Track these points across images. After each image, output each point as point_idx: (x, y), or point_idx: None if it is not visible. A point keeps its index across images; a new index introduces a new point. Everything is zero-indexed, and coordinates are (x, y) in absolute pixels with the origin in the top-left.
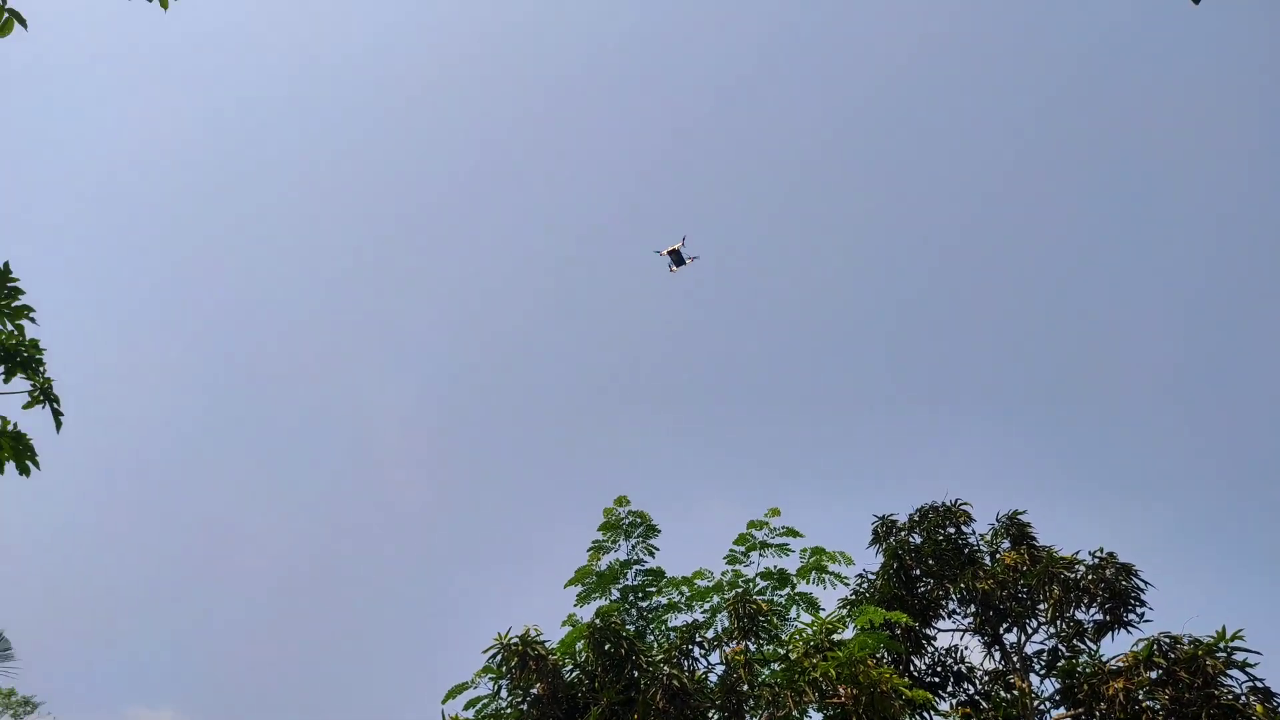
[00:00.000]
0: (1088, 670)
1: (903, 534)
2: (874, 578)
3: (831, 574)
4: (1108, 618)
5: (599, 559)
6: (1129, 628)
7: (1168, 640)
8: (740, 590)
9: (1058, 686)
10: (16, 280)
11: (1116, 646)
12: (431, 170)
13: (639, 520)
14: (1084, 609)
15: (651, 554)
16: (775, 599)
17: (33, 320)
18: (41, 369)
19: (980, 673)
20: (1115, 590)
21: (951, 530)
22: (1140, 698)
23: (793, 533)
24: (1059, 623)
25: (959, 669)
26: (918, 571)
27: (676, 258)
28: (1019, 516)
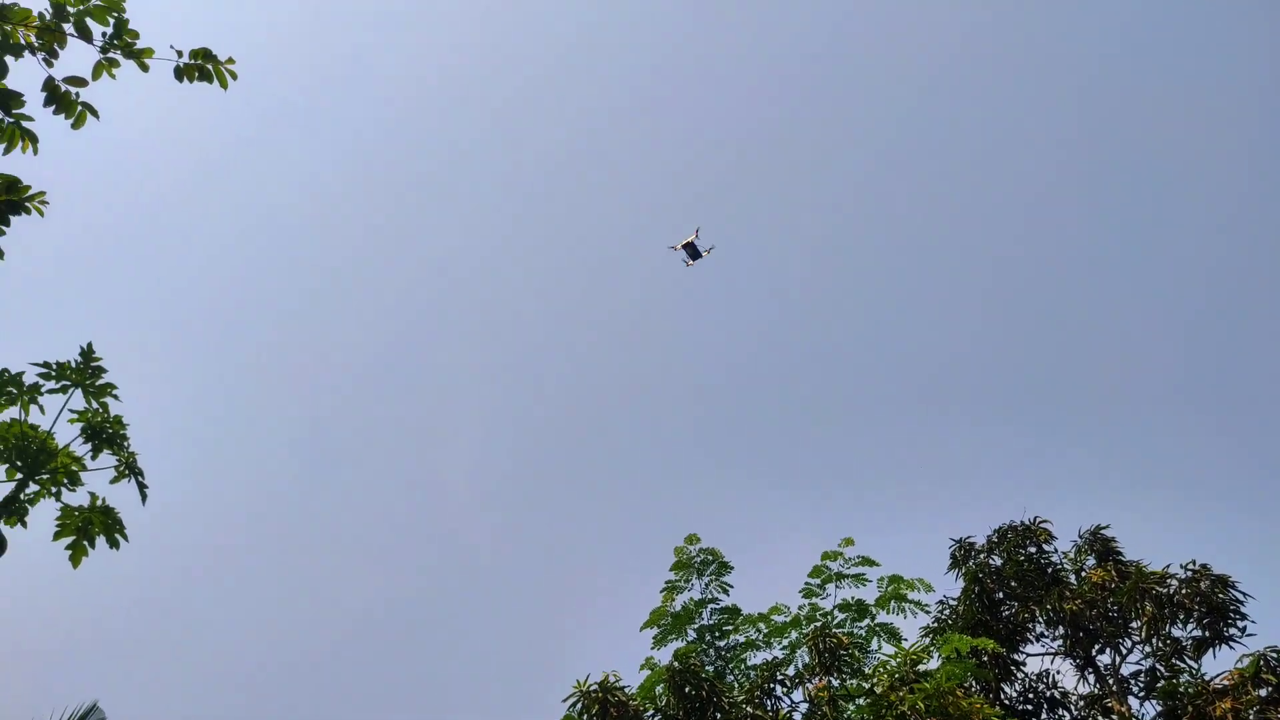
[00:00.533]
0: (1190, 690)
1: (982, 556)
2: (955, 603)
3: (911, 602)
4: (1207, 634)
5: (673, 599)
6: (1231, 643)
7: (1275, 655)
8: (819, 624)
9: (1159, 709)
10: (100, 359)
11: (1219, 664)
12: (489, 216)
13: (710, 558)
14: (1180, 625)
15: (725, 591)
16: (855, 631)
17: (116, 398)
18: (126, 444)
19: (1075, 698)
20: (1212, 604)
21: (1033, 549)
22: (1250, 718)
23: (868, 562)
24: (1154, 641)
25: (1052, 695)
26: (1001, 595)
27: (692, 251)
28: (1103, 531)
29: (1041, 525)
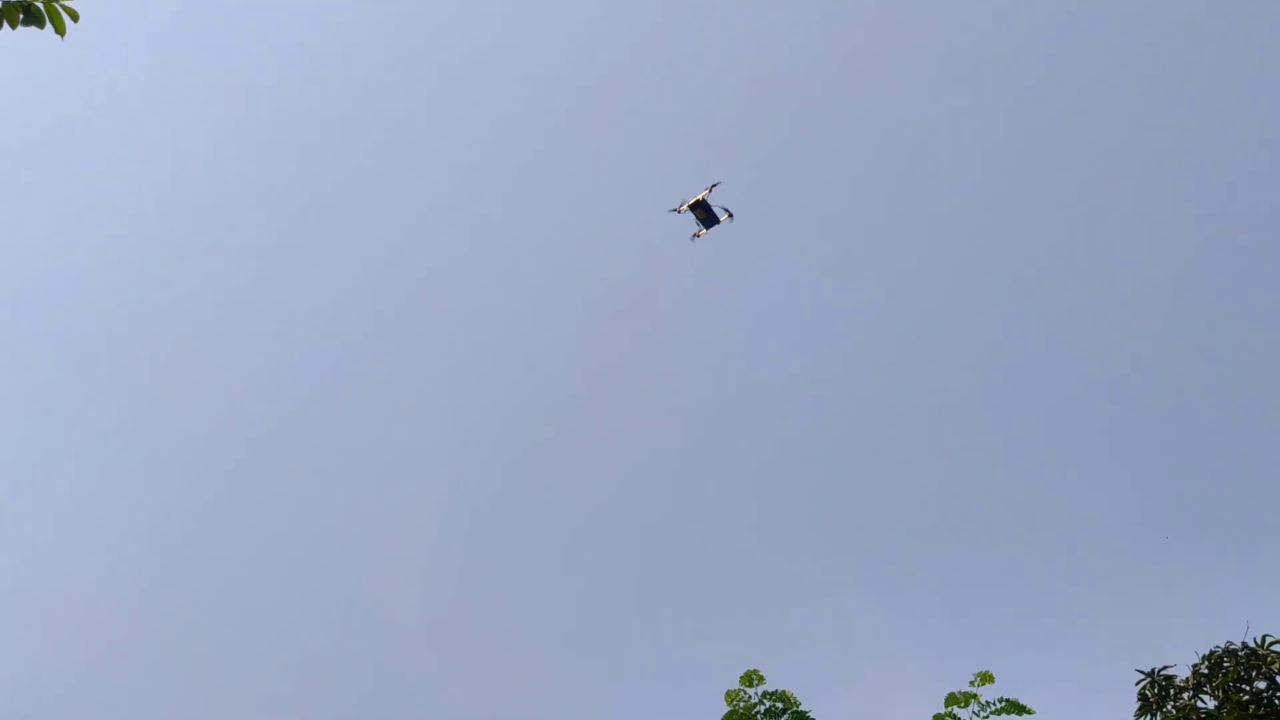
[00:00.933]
0: None
1: (1186, 696)
2: None
3: None
4: None
5: None
6: None
7: None
8: None
9: None
10: None
11: None
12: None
13: (781, 705)
14: None
15: None
16: None
17: None
18: None
19: None
20: None
21: (1262, 685)
22: None
23: (1017, 708)
24: None
25: None
26: None
27: (704, 214)
28: None
29: (1274, 649)
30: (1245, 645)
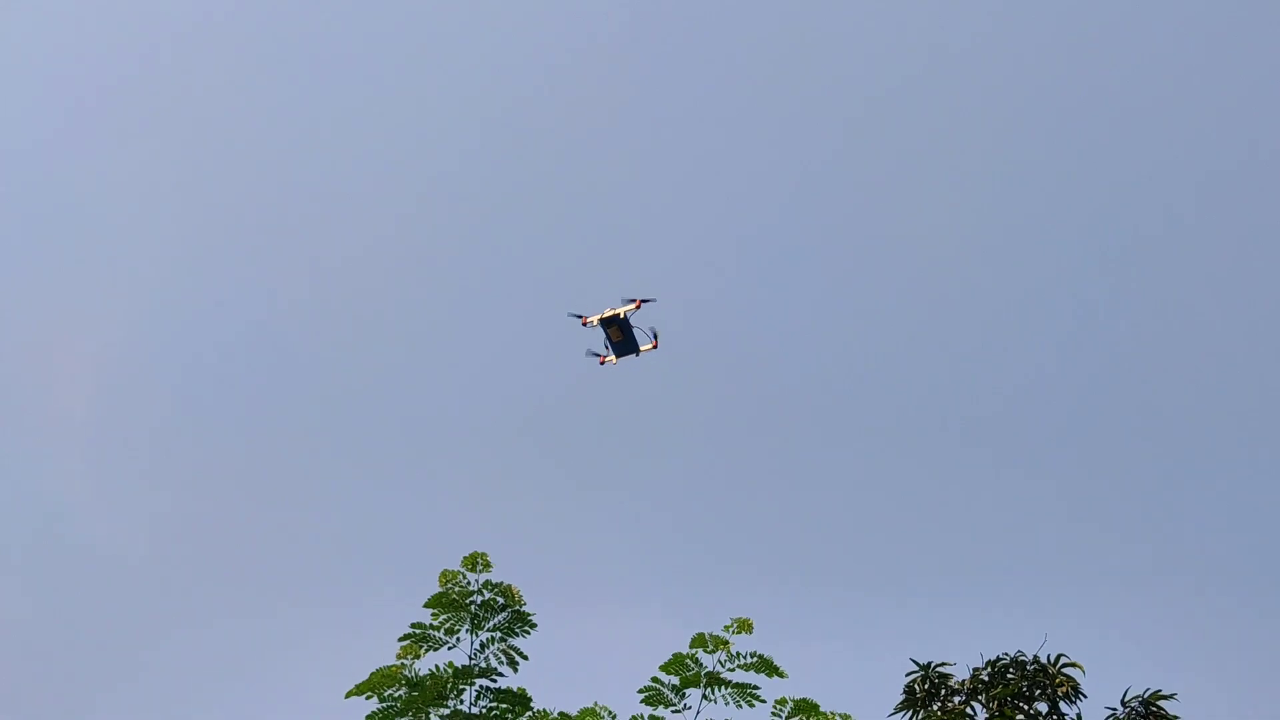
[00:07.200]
0: None
1: (957, 700)
2: None
3: None
4: None
5: (418, 656)
6: None
7: None
8: None
9: None
10: None
11: None
12: None
13: (500, 598)
14: None
15: (514, 664)
16: None
17: None
18: None
19: None
20: None
21: (1043, 707)
22: None
23: (768, 666)
24: None
25: None
26: None
27: (621, 337)
28: (1158, 703)
29: (1066, 670)
30: (1036, 659)
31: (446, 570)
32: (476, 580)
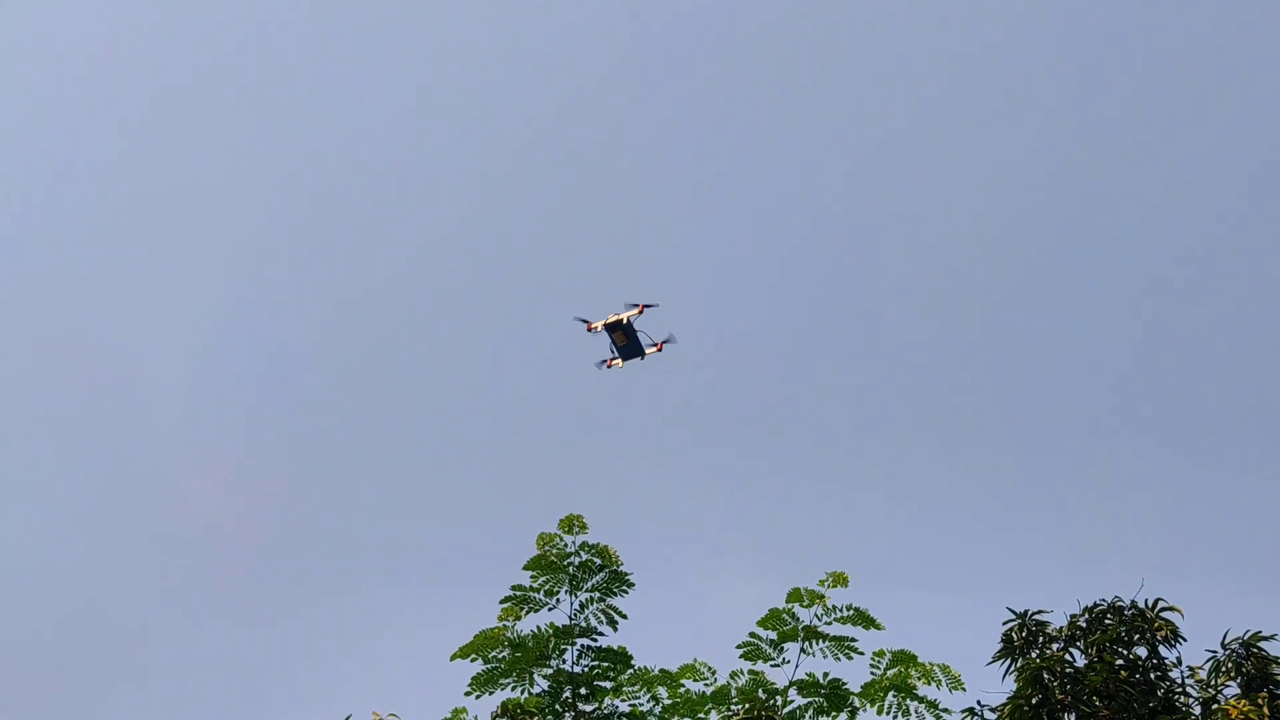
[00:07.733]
0: None
1: (1055, 647)
2: (996, 716)
3: (922, 700)
4: None
5: (519, 618)
6: None
7: None
8: (760, 703)
9: None
10: None
11: None
12: None
13: (597, 559)
14: None
15: (613, 623)
16: None
17: None
18: None
19: None
20: None
21: (1143, 651)
22: None
23: (865, 619)
24: None
25: None
26: (1074, 717)
27: (625, 341)
28: (1261, 644)
29: (1164, 614)
30: (1134, 604)
31: (544, 533)
32: (574, 542)
